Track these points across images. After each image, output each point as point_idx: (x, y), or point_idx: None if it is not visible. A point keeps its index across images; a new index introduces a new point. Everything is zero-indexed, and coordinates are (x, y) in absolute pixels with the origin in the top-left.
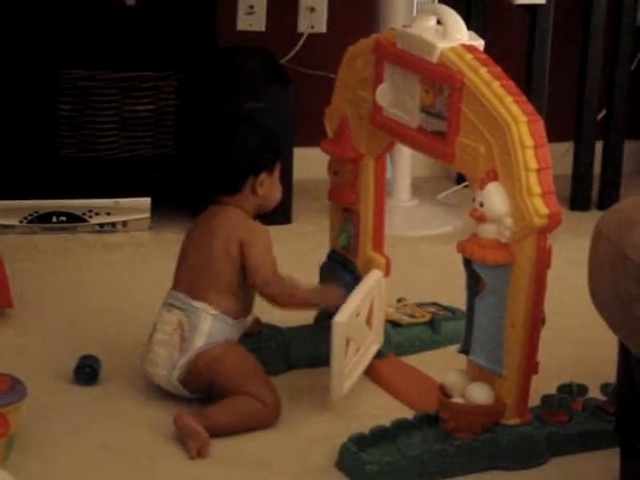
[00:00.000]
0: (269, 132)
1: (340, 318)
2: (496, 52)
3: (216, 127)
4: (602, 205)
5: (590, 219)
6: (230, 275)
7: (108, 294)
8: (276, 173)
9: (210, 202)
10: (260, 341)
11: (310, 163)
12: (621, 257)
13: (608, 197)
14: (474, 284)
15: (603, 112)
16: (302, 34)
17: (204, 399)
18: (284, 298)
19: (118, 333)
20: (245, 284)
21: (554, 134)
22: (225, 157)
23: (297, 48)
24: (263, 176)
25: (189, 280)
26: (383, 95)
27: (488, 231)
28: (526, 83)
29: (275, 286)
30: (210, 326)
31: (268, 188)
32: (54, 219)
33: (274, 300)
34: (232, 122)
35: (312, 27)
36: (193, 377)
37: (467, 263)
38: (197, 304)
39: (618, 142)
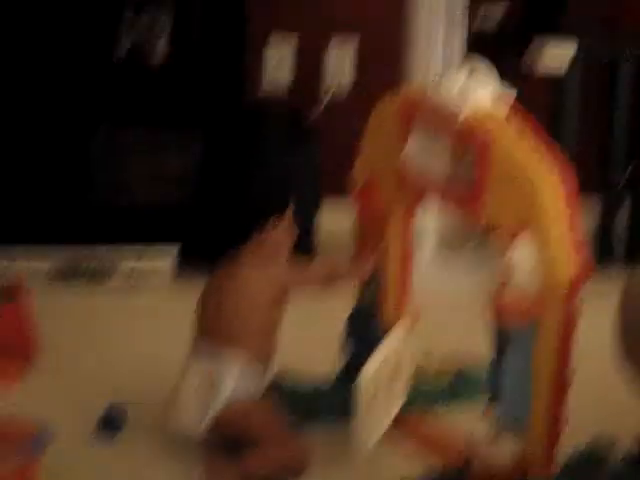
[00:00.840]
0: (277, 178)
1: (367, 371)
2: (525, 103)
3: (238, 182)
4: (630, 260)
5: (615, 274)
6: (259, 319)
7: (134, 343)
8: (287, 218)
9: (230, 252)
10: (284, 395)
11: (336, 215)
12: None
13: (636, 252)
14: (501, 340)
15: (631, 167)
16: (328, 91)
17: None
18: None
19: (143, 383)
20: (274, 327)
21: (581, 188)
22: (238, 212)
23: (323, 105)
24: (272, 222)
25: (214, 328)
26: (411, 152)
27: (516, 285)
28: (554, 134)
29: (325, 285)
30: (239, 374)
31: (277, 233)
32: (83, 267)
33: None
34: (242, 177)
35: (339, 83)
36: (221, 428)
37: (495, 318)
38: (225, 352)
39: None
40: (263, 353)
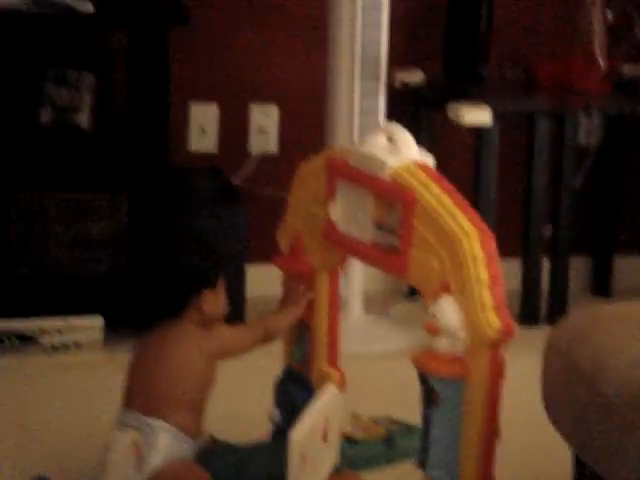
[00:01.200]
0: (207, 249)
1: (296, 434)
2: (445, 169)
3: (164, 248)
4: (551, 320)
5: (540, 333)
6: (190, 391)
7: (60, 416)
8: (220, 286)
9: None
10: (215, 459)
11: (263, 280)
12: (574, 369)
13: (557, 312)
14: (429, 397)
15: (549, 229)
16: (253, 155)
17: None
18: (272, 337)
19: (70, 455)
20: (204, 400)
21: (502, 250)
22: (167, 282)
23: (249, 168)
24: (205, 293)
25: (143, 397)
26: (336, 211)
27: (442, 344)
28: (474, 200)
29: (264, 341)
30: (167, 444)
31: (212, 303)
32: (5, 340)
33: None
34: (170, 246)
35: (263, 148)
36: None
37: (422, 376)
38: (153, 421)
39: (565, 258)
40: (193, 423)
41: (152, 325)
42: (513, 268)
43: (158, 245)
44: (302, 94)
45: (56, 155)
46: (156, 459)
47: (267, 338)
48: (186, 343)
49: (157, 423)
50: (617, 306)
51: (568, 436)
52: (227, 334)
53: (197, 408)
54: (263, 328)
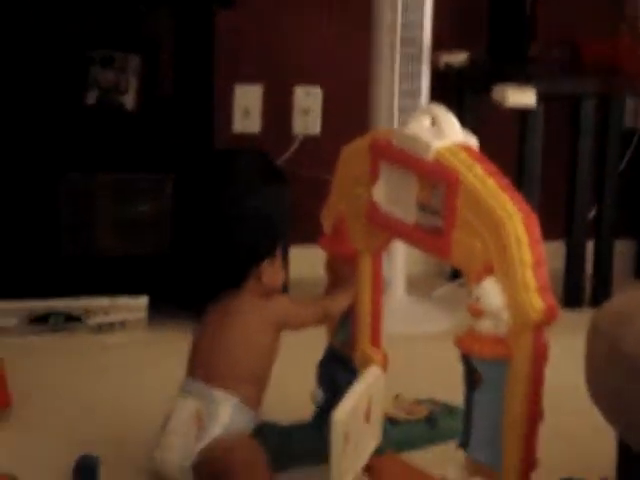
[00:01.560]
0: (265, 221)
1: (339, 415)
2: (489, 151)
3: (213, 227)
4: (595, 303)
5: (583, 316)
6: (253, 363)
7: (106, 394)
8: (278, 259)
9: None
10: (259, 439)
11: (306, 262)
12: (616, 351)
13: (601, 295)
14: (471, 379)
15: (594, 211)
16: (297, 136)
17: None
18: (330, 318)
19: (117, 432)
20: (266, 372)
21: (546, 232)
22: (226, 256)
23: (292, 149)
24: (265, 265)
25: (206, 369)
26: (379, 192)
27: (485, 326)
28: (517, 182)
29: (321, 320)
30: (230, 415)
31: (271, 275)
32: (52, 319)
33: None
34: (228, 219)
35: (306, 129)
36: (206, 464)
37: (465, 358)
38: (216, 392)
39: (609, 241)
40: (255, 395)
41: (201, 304)
42: (557, 250)
43: (205, 226)
44: (346, 76)
45: (102, 137)
46: (217, 429)
47: (325, 318)
48: (248, 314)
49: (220, 394)
50: None
51: (611, 419)
52: (288, 306)
53: (259, 379)
54: (322, 307)
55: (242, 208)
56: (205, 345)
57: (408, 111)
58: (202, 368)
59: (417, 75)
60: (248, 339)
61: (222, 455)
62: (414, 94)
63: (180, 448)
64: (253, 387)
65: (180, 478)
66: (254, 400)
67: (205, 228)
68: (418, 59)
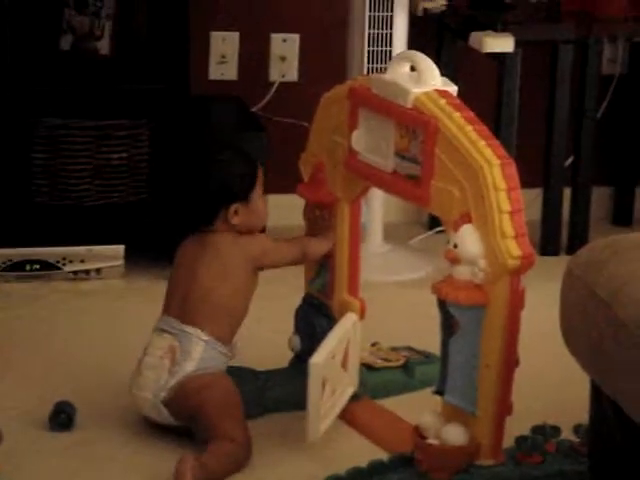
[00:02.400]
0: (242, 161)
1: (316, 359)
2: (467, 98)
3: (189, 174)
4: (571, 250)
5: (560, 264)
6: (228, 299)
7: (82, 341)
8: (255, 199)
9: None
10: (238, 383)
11: (283, 210)
12: (591, 296)
13: (577, 242)
14: (448, 325)
15: (571, 159)
16: (274, 83)
17: (183, 443)
18: (308, 259)
19: (93, 379)
20: (243, 309)
21: (523, 180)
22: (192, 193)
23: (269, 96)
24: (235, 206)
25: (181, 305)
26: (358, 140)
27: (462, 272)
28: (495, 130)
29: (299, 261)
30: (202, 352)
31: (245, 216)
32: (28, 267)
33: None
34: (203, 154)
35: (283, 76)
36: (179, 400)
37: (441, 304)
38: (189, 329)
39: (586, 188)
40: (230, 331)
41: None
42: (534, 198)
43: (186, 169)
44: (323, 23)
45: (77, 82)
46: (190, 365)
47: (303, 259)
48: (225, 249)
49: (193, 331)
50: (635, 235)
51: (586, 364)
52: (266, 242)
53: (234, 316)
54: (301, 246)
55: (218, 154)
56: (180, 281)
57: (380, 58)
58: (177, 304)
59: (388, 20)
60: (225, 274)
61: (195, 392)
62: (386, 40)
63: (152, 384)
64: (227, 322)
65: (154, 413)
66: (229, 336)
67: (181, 175)
68: (390, 3)
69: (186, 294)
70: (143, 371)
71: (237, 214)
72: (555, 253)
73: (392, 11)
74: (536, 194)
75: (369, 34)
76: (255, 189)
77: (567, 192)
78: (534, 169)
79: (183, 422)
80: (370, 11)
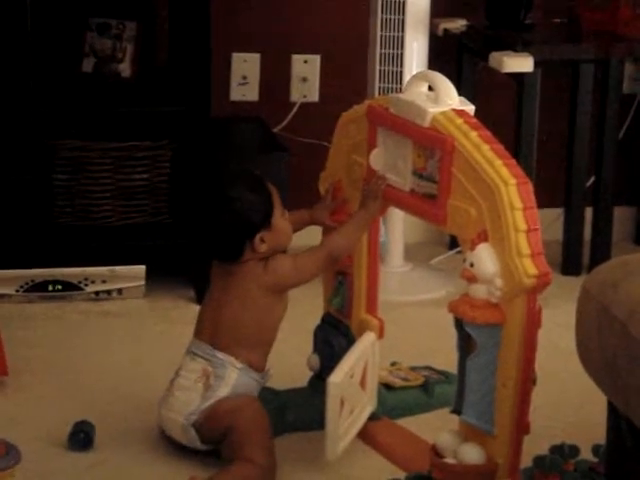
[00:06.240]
0: (253, 191)
1: (335, 378)
2: (485, 118)
3: (210, 196)
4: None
5: (581, 284)
6: (255, 328)
7: (103, 361)
8: (276, 221)
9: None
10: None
11: (305, 230)
12: (606, 315)
13: (599, 262)
14: (465, 344)
15: (592, 179)
16: (295, 103)
17: (202, 464)
18: (337, 259)
19: (113, 400)
20: (270, 335)
21: (545, 200)
22: (215, 235)
23: (290, 117)
24: (260, 236)
25: (212, 332)
26: (376, 159)
27: (479, 291)
28: (515, 150)
29: (328, 265)
30: (236, 378)
31: (272, 241)
32: (50, 287)
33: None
34: (216, 193)
35: (305, 96)
36: (211, 423)
37: (458, 323)
38: (222, 356)
39: (607, 208)
40: (261, 358)
41: (198, 272)
42: (556, 218)
43: (207, 190)
44: (344, 44)
45: (99, 104)
46: (224, 391)
47: (333, 260)
48: (246, 280)
49: (227, 358)
50: None
51: (600, 383)
52: (287, 266)
53: (263, 343)
54: (324, 251)
55: (229, 190)
56: (210, 308)
57: (391, 78)
58: (208, 330)
59: (400, 41)
60: (246, 306)
61: (227, 413)
62: (397, 60)
63: (183, 406)
64: (257, 350)
65: (181, 436)
66: (260, 362)
67: (202, 197)
68: (402, 25)
69: (216, 322)
70: (175, 392)
71: (264, 241)
72: (577, 273)
73: (398, 32)
74: (558, 214)
75: (392, 54)
76: (274, 212)
77: (589, 212)
78: (555, 189)
79: (211, 445)
80: (387, 31)
